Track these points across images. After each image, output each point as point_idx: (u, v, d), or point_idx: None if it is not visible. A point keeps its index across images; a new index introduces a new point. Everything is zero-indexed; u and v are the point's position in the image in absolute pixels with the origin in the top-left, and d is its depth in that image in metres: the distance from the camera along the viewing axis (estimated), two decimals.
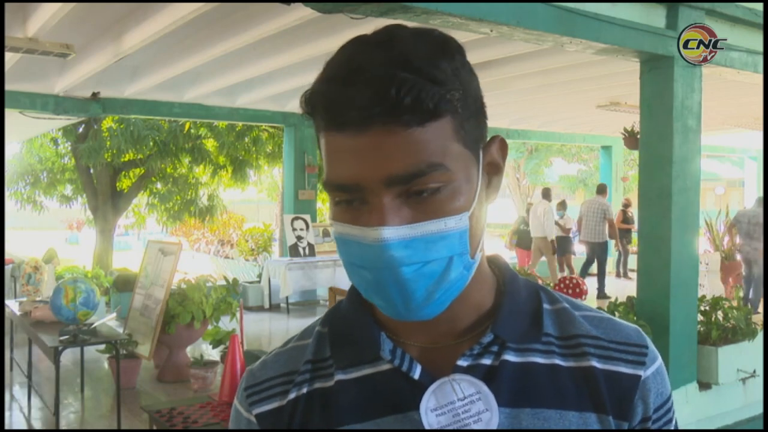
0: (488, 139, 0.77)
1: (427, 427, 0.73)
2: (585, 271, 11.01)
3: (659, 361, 0.81)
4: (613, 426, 0.76)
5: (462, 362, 0.75)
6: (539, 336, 0.78)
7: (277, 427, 0.80)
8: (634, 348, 0.79)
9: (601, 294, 10.62)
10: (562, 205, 12.10)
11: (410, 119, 0.66)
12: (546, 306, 0.82)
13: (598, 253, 10.83)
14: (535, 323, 0.79)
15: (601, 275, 10.82)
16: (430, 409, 0.74)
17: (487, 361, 0.76)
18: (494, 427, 0.73)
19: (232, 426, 0.85)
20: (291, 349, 0.85)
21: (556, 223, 11.88)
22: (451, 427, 0.73)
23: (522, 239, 11.66)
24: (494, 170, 0.77)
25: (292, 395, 0.80)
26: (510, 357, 0.76)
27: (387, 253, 0.67)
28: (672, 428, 0.81)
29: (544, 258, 11.66)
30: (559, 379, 0.76)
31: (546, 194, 11.62)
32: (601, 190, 11.14)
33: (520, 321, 0.79)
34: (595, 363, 0.77)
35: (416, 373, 0.76)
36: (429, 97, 0.66)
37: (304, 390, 0.80)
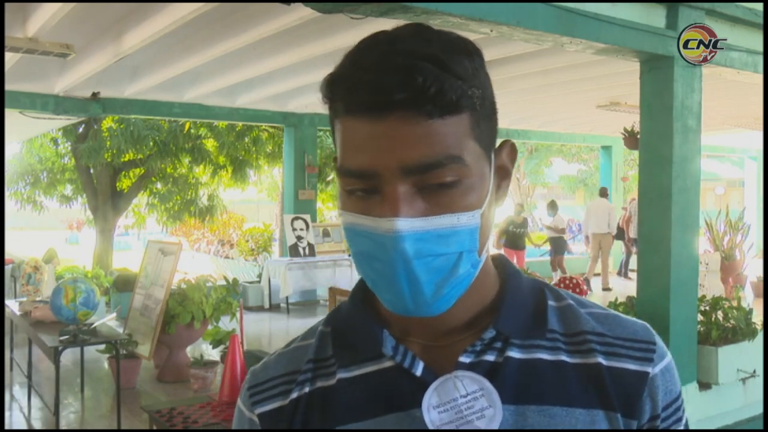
0: (499, 143, 0.77)
1: (429, 424, 0.73)
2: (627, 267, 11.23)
3: (668, 358, 0.79)
4: (621, 423, 0.75)
5: (464, 359, 0.75)
6: (544, 332, 0.77)
7: (279, 427, 0.80)
8: (642, 344, 0.78)
9: None
10: (552, 206, 12.18)
11: (432, 110, 0.66)
12: (551, 303, 0.81)
13: None
14: (540, 319, 0.78)
15: None
16: (432, 406, 0.73)
17: (490, 357, 0.75)
18: (497, 423, 0.72)
19: (235, 426, 0.85)
20: (294, 349, 0.85)
21: (548, 226, 11.95)
22: (453, 424, 0.73)
23: (510, 240, 11.66)
24: (503, 174, 0.77)
25: (294, 395, 0.80)
26: (514, 353, 0.75)
27: (400, 244, 0.67)
28: (681, 428, 0.80)
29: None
30: (566, 375, 0.75)
31: (603, 193, 12.05)
32: None
33: (523, 317, 0.78)
34: (601, 360, 0.76)
35: (418, 370, 0.75)
36: (452, 90, 0.67)
37: (306, 389, 0.80)
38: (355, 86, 0.68)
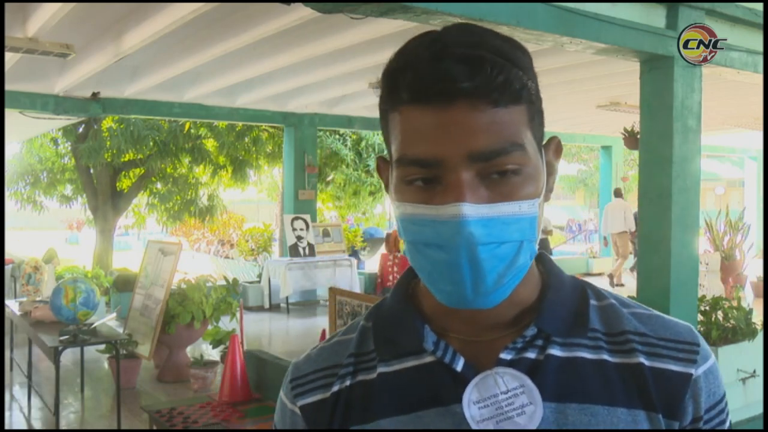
0: (546, 140, 0.78)
1: (469, 419, 0.73)
2: None
3: (712, 360, 0.79)
4: (663, 424, 0.74)
5: (505, 355, 0.75)
6: (585, 331, 0.77)
7: (321, 419, 0.81)
8: (685, 346, 0.77)
9: None
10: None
11: (498, 98, 0.68)
12: (593, 302, 0.81)
13: None
14: (581, 318, 0.78)
15: None
16: (472, 401, 0.73)
17: (531, 355, 0.75)
18: (538, 419, 0.72)
19: (277, 417, 0.86)
20: (335, 343, 0.86)
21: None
22: (493, 420, 0.73)
23: None
24: (551, 170, 0.78)
25: (335, 387, 0.81)
26: (555, 351, 0.75)
27: (466, 229, 0.67)
28: (726, 428, 0.79)
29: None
30: (607, 374, 0.75)
31: (619, 193, 12.35)
32: None
33: (564, 315, 0.78)
34: (643, 360, 0.76)
35: (459, 366, 0.75)
36: (516, 79, 0.68)
37: (347, 382, 0.81)
38: (422, 75, 0.68)
